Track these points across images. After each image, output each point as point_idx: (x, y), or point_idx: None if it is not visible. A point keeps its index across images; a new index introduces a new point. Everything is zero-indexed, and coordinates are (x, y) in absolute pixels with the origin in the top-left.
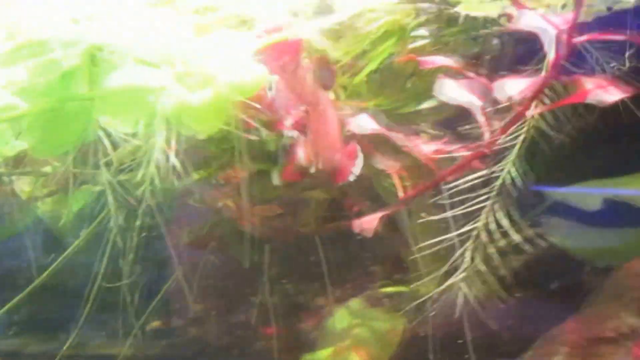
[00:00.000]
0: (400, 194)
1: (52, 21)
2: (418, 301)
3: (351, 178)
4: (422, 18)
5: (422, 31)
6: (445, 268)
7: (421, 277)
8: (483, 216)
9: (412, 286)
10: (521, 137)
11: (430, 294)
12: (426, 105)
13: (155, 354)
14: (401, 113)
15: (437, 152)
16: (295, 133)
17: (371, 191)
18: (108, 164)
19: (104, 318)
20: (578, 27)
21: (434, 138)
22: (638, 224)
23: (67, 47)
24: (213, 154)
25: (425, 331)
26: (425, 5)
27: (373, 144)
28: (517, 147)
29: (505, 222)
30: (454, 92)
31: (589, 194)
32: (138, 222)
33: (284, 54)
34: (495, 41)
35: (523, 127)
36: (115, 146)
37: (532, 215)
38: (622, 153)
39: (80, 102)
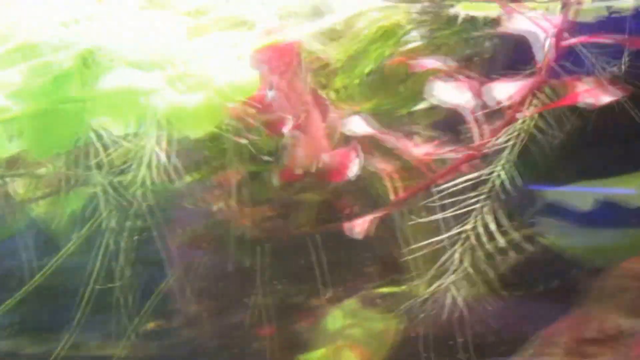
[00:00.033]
0: (392, 196)
1: (45, 24)
2: (412, 302)
3: (348, 178)
4: (416, 20)
5: (415, 33)
6: (434, 269)
7: (415, 278)
8: (474, 218)
9: (406, 287)
10: (512, 140)
11: (424, 295)
12: (420, 107)
13: (149, 355)
14: (395, 115)
15: (427, 154)
16: (295, 133)
17: (365, 193)
18: (101, 166)
19: (99, 319)
20: (578, 29)
21: (428, 140)
22: (629, 224)
23: (60, 50)
24: (207, 156)
25: (419, 332)
26: (418, 6)
27: (366, 146)
28: (509, 149)
29: (496, 224)
30: (444, 94)
31: (581, 195)
32: (131, 224)
33: (278, 57)
34: (489, 43)
35: (515, 130)
36: (108, 148)
37: (524, 216)
38: (614, 154)
39: (74, 104)
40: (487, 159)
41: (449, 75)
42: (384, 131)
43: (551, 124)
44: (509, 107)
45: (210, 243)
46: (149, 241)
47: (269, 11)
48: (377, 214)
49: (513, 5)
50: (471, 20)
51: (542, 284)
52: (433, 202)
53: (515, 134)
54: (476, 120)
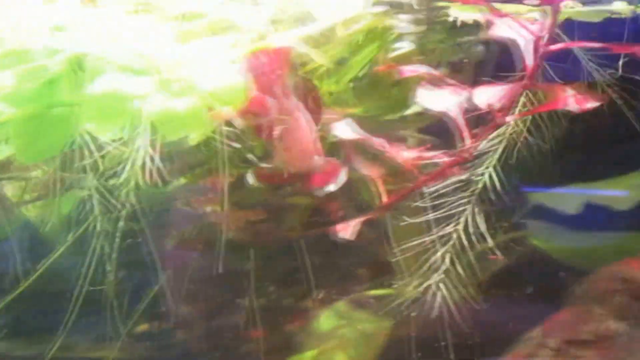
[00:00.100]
0: (383, 199)
1: (35, 29)
2: (401, 303)
3: (330, 189)
4: (406, 24)
5: (405, 39)
6: (422, 271)
7: (404, 280)
8: (461, 219)
9: (395, 289)
10: (500, 143)
11: (413, 297)
12: (409, 112)
13: (141, 357)
14: (384, 120)
15: (417, 158)
16: (283, 137)
17: (354, 196)
18: (93, 169)
19: (90, 322)
20: (577, 31)
21: (417, 144)
22: (617, 227)
23: (50, 55)
24: (198, 159)
25: (408, 333)
26: (408, 12)
27: (356, 149)
28: (496, 152)
29: (483, 226)
30: (433, 100)
31: (569, 198)
32: (122, 226)
33: (268, 61)
34: (478, 48)
35: (502, 133)
36: (99, 151)
37: (512, 218)
38: (602, 158)
39: (66, 108)
40: (475, 161)
41: (437, 81)
42: (373, 135)
43: (539, 127)
44: (496, 111)
45: (201, 246)
46: (140, 244)
47: (259, 16)
48: (366, 217)
49: (500, 8)
50: (460, 25)
51: (530, 285)
52: (421, 203)
53: (503, 137)
54: (464, 124)
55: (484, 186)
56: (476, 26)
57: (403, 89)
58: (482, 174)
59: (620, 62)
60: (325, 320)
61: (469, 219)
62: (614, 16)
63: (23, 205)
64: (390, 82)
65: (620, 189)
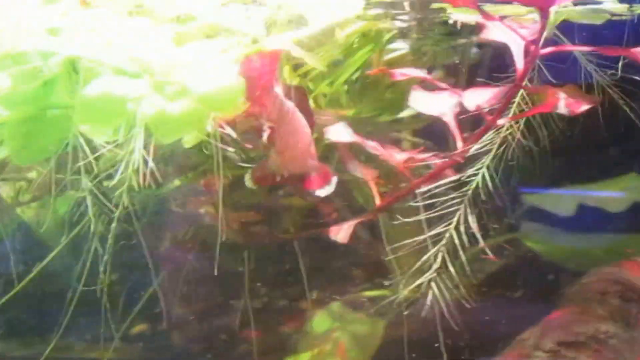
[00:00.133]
0: (377, 201)
1: (32, 31)
2: (396, 304)
3: (321, 193)
4: (401, 27)
5: (400, 41)
6: (417, 272)
7: (399, 281)
8: (456, 220)
9: (390, 290)
10: (493, 145)
11: (408, 298)
12: (404, 114)
13: (136, 358)
14: (381, 121)
15: (409, 160)
16: (277, 139)
17: (350, 198)
18: (88, 171)
19: (86, 323)
20: (578, 34)
21: (412, 146)
22: (611, 229)
23: (47, 57)
24: (193, 161)
25: (403, 334)
26: (403, 13)
27: (350, 152)
28: (490, 154)
29: (477, 227)
30: (426, 103)
31: (563, 199)
32: (117, 228)
33: (263, 64)
34: (473, 50)
35: (496, 135)
36: (95, 153)
37: (506, 219)
38: (596, 160)
39: (61, 110)
40: (469, 163)
41: (430, 83)
42: (368, 137)
43: (534, 128)
44: (489, 113)
45: (195, 248)
46: (135, 245)
47: (253, 19)
48: (361, 219)
49: (499, 10)
50: (455, 28)
51: (524, 286)
52: (415, 204)
53: (497, 139)
54: (455, 128)
55: (478, 187)
56: (471, 29)
57: (397, 91)
58: (476, 175)
59: (620, 64)
60: (320, 321)
61: (462, 220)
62: (614, 18)
63: (18, 206)
64: (384, 84)
65: (616, 190)
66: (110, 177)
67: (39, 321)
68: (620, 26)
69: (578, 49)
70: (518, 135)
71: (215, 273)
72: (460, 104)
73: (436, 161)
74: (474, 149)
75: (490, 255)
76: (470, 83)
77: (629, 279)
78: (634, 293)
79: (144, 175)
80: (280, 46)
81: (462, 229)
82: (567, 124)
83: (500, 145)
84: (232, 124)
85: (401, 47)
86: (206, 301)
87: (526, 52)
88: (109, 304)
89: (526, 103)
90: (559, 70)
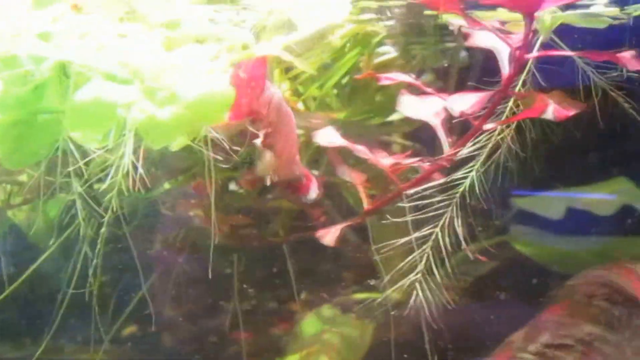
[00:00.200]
0: (365, 205)
1: (23, 36)
2: (385, 307)
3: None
4: (390, 31)
5: (389, 45)
6: (405, 274)
7: (388, 284)
8: (443, 223)
9: (379, 292)
10: (482, 148)
11: (396, 300)
12: (396, 116)
13: (127, 359)
14: (371, 124)
15: (398, 165)
16: (266, 144)
17: (339, 201)
18: (78, 175)
19: (77, 325)
20: (579, 40)
21: (401, 149)
22: (599, 232)
23: (38, 61)
24: (183, 165)
25: (392, 336)
26: (392, 18)
27: (339, 156)
28: (482, 157)
29: (467, 229)
30: (414, 107)
31: (552, 202)
32: (107, 231)
33: (252, 69)
34: (462, 55)
35: (484, 139)
36: (85, 157)
37: (495, 222)
38: (585, 163)
39: (51, 114)
40: (460, 166)
41: (418, 88)
42: (358, 141)
43: (523, 132)
44: (476, 117)
45: (186, 250)
46: (126, 248)
47: (242, 25)
48: (349, 223)
49: (487, 17)
50: (444, 32)
51: (513, 288)
52: (404, 206)
53: (485, 143)
54: (442, 132)
55: (466, 190)
56: (460, 33)
57: (387, 94)
58: (465, 178)
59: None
60: (309, 324)
61: (450, 223)
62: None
63: (9, 209)
64: (374, 87)
65: (604, 193)
66: (100, 180)
67: (29, 323)
68: (615, 28)
69: (564, 54)
70: (508, 139)
71: (210, 276)
72: (447, 109)
73: (423, 165)
74: (464, 152)
75: (479, 257)
76: (460, 87)
77: (616, 282)
78: (620, 296)
79: (134, 179)
80: (269, 51)
81: (450, 231)
82: (557, 128)
83: (490, 149)
84: (222, 127)
85: (390, 50)
86: (196, 303)
87: (512, 58)
88: (100, 307)
89: (518, 107)
90: (556, 73)
